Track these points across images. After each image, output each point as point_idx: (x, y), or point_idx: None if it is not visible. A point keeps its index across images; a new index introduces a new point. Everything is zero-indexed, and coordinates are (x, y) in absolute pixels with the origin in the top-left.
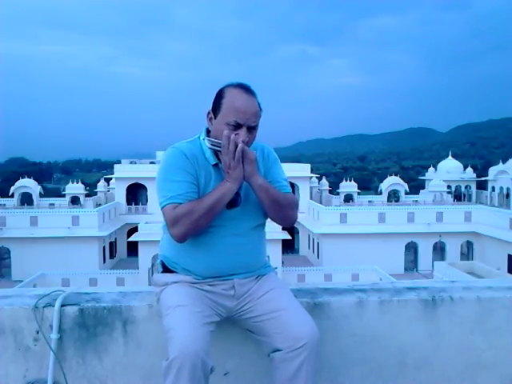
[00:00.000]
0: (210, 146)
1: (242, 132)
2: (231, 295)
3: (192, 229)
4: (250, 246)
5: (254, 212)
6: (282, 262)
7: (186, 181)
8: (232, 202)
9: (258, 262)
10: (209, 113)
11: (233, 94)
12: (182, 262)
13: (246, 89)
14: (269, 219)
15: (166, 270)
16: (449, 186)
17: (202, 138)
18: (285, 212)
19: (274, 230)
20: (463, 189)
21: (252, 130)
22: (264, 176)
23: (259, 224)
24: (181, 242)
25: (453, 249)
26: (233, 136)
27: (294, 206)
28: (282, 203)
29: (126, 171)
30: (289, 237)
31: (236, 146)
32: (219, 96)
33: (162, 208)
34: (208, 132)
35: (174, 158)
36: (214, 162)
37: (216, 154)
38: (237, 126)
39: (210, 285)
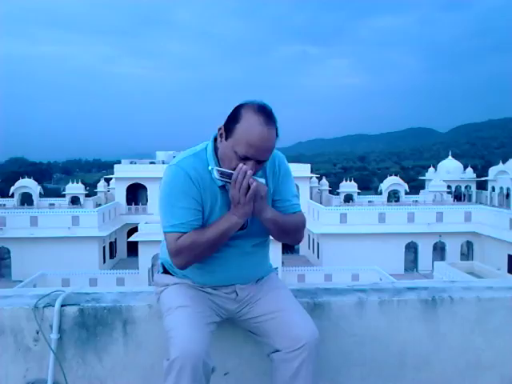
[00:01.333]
0: (219, 178)
1: (249, 165)
2: (233, 299)
3: (194, 260)
4: (253, 260)
5: (260, 230)
6: (282, 262)
7: (191, 208)
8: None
9: (259, 273)
10: (220, 129)
11: (250, 122)
12: (183, 272)
13: (265, 117)
14: None
15: (166, 271)
16: (449, 186)
17: (210, 168)
18: (291, 237)
19: None
20: (463, 189)
21: (263, 162)
22: (273, 193)
23: (264, 240)
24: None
25: (453, 249)
26: (249, 172)
27: (302, 228)
28: (290, 230)
29: (126, 171)
30: None
31: (249, 184)
32: (235, 117)
33: (164, 233)
34: (215, 140)
35: (178, 180)
36: (220, 184)
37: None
38: (245, 158)
39: (211, 288)
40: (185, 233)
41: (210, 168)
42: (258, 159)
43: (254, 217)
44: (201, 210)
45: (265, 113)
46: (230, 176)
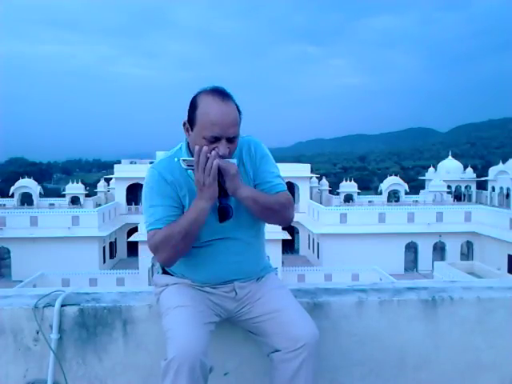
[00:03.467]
0: (186, 167)
1: (222, 146)
2: (232, 297)
3: (173, 253)
4: (249, 253)
5: (251, 219)
6: (282, 262)
7: (166, 205)
8: (224, 215)
9: (258, 267)
10: (184, 123)
11: (206, 104)
12: (181, 271)
13: (219, 95)
14: None
15: (165, 272)
16: (449, 186)
17: (176, 159)
18: (279, 215)
19: (274, 230)
20: (463, 189)
21: (232, 139)
22: (253, 177)
23: (257, 229)
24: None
25: (453, 249)
26: (213, 153)
27: (289, 206)
28: (275, 208)
29: (126, 171)
30: (289, 237)
31: (211, 164)
32: (193, 106)
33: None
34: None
35: (153, 181)
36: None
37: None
38: (215, 140)
39: (210, 287)
40: (160, 228)
41: (176, 160)
42: (226, 136)
43: (232, 196)
44: (177, 207)
45: (218, 91)
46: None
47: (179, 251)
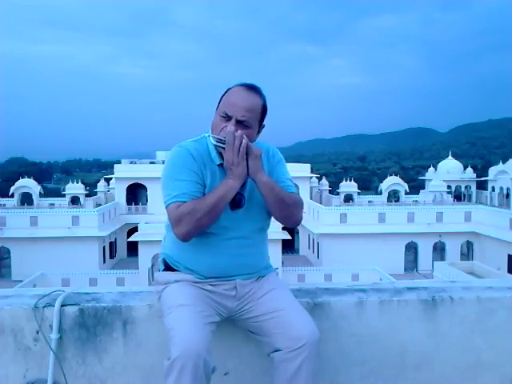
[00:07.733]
0: (215, 142)
1: (230, 124)
2: (232, 296)
3: (195, 227)
4: (253, 247)
5: (258, 213)
6: (282, 262)
7: (192, 180)
8: (236, 203)
9: (260, 263)
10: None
11: (233, 90)
12: (185, 261)
13: (248, 87)
14: (273, 220)
15: (167, 268)
16: (449, 186)
17: (207, 135)
18: (290, 211)
19: (274, 230)
20: (463, 189)
21: (244, 126)
22: (269, 176)
23: (263, 226)
24: (185, 241)
25: (453, 249)
26: (239, 132)
27: (299, 205)
28: (287, 202)
29: (126, 171)
30: (289, 237)
31: (241, 142)
32: (224, 93)
33: (166, 207)
34: None
35: (180, 157)
36: (219, 162)
37: (221, 153)
38: (227, 118)
39: (211, 285)
40: (185, 202)
41: (206, 135)
42: (237, 117)
43: (250, 178)
44: (201, 184)
45: (248, 84)
46: (225, 142)
47: (202, 226)
